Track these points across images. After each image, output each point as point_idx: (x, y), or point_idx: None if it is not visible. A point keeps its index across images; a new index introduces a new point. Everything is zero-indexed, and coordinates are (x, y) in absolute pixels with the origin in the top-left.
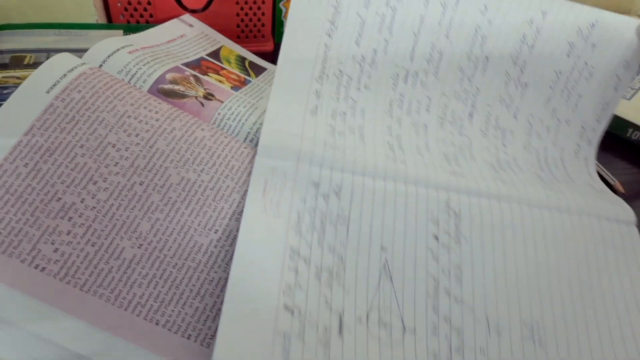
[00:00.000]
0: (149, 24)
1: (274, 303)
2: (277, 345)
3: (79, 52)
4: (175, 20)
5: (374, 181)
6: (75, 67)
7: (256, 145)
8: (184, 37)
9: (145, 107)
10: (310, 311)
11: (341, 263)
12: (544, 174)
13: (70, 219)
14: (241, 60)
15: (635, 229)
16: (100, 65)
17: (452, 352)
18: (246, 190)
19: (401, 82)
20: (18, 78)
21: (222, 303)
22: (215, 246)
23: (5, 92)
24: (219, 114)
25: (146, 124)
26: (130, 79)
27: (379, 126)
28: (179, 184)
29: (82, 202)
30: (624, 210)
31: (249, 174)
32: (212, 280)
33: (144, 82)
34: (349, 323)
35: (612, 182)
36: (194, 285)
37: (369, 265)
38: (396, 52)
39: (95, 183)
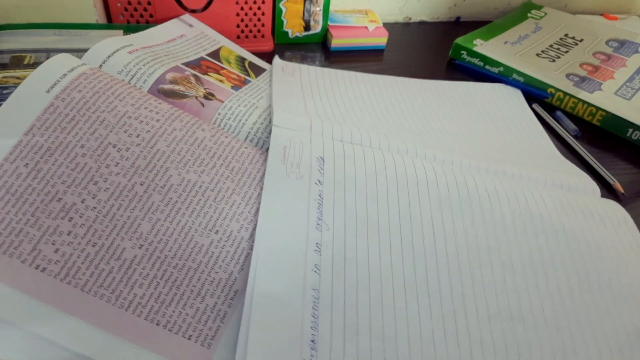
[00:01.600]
0: (149, 24)
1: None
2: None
3: (79, 52)
4: (175, 20)
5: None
6: (76, 67)
7: (256, 145)
8: (184, 37)
9: (145, 108)
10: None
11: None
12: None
13: (70, 219)
14: (241, 60)
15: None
16: (101, 66)
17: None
18: (246, 192)
19: None
20: (18, 78)
21: (222, 304)
22: (216, 247)
23: (5, 92)
24: (219, 113)
25: (147, 124)
26: (130, 79)
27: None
28: (180, 184)
29: (82, 202)
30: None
31: (249, 175)
32: (212, 281)
33: (144, 82)
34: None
35: (612, 182)
36: (194, 286)
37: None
38: None
39: (95, 183)
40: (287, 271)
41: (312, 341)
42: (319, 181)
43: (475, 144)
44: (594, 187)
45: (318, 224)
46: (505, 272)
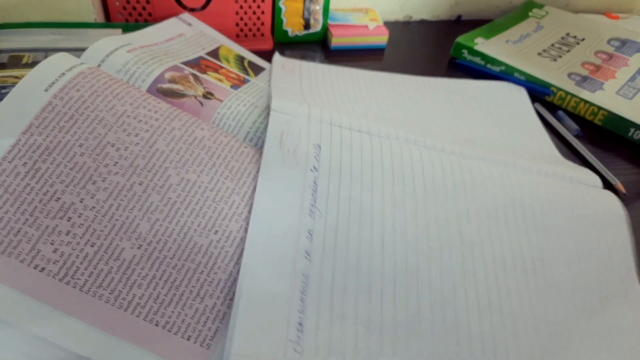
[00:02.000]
0: (147, 23)
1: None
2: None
3: (78, 51)
4: (174, 18)
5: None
6: (74, 66)
7: (256, 144)
8: (182, 35)
9: (144, 107)
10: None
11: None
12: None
13: (69, 219)
14: (240, 59)
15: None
16: (99, 65)
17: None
18: (245, 192)
19: None
20: (16, 77)
21: (221, 305)
22: (215, 247)
23: (3, 91)
24: (218, 113)
25: (145, 123)
26: (129, 78)
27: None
28: (179, 184)
29: (81, 202)
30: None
31: (249, 174)
32: (212, 282)
33: (142, 82)
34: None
35: (613, 182)
36: (193, 287)
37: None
38: None
39: (94, 183)
40: (278, 256)
41: (299, 324)
42: (315, 168)
43: (476, 141)
44: (594, 178)
45: (311, 211)
46: (497, 266)
